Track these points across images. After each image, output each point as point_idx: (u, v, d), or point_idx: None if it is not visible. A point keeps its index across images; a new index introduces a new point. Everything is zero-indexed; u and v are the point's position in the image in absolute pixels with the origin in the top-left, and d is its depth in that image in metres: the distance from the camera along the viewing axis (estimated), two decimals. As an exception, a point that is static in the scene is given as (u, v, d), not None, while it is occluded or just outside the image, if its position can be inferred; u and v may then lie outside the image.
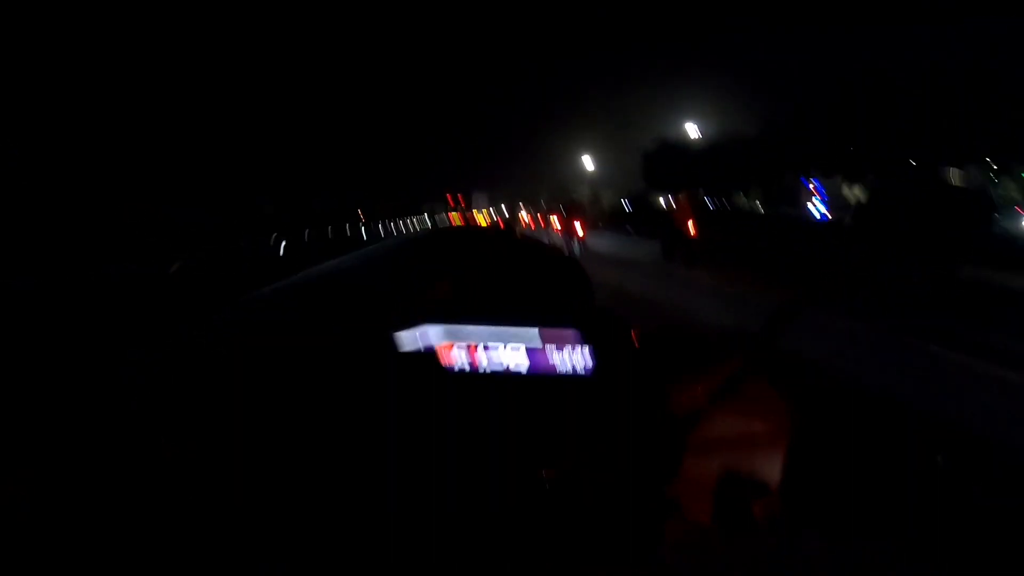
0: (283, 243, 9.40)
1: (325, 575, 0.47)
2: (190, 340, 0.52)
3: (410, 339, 0.54)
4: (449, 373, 0.52)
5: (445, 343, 0.53)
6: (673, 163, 21.77)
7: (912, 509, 0.42)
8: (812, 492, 0.46)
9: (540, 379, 0.52)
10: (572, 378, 0.52)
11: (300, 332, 0.54)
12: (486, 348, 0.53)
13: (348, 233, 15.15)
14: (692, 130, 23.70)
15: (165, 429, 0.46)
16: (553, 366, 0.53)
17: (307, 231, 11.21)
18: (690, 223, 7.61)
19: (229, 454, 0.46)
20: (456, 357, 0.53)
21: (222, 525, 0.45)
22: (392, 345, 0.53)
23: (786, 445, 0.48)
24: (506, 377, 0.52)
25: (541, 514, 0.46)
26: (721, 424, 0.49)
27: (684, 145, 22.63)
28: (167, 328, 0.51)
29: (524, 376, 0.52)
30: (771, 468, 0.47)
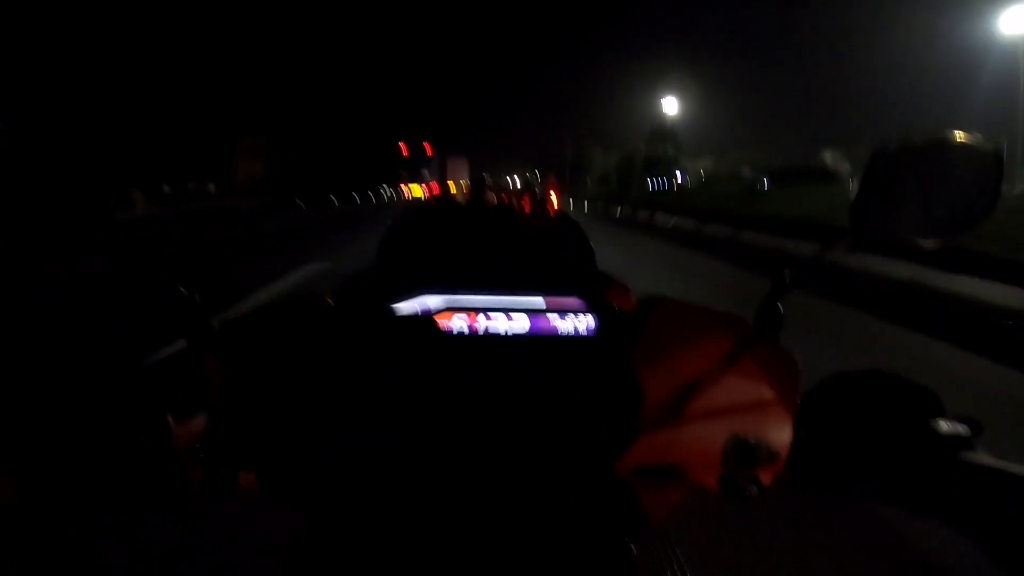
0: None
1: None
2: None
3: (407, 308, 0.62)
4: (447, 335, 0.60)
5: (444, 312, 0.61)
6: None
7: (909, 472, 0.51)
8: (817, 456, 0.56)
9: (540, 339, 0.61)
10: (573, 339, 0.61)
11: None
12: (487, 316, 0.62)
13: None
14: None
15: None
16: (555, 328, 0.61)
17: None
18: (552, 195, 15.21)
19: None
20: (455, 324, 0.61)
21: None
22: (387, 312, 0.61)
23: (795, 411, 0.57)
24: (505, 338, 0.61)
25: (540, 486, 0.55)
26: (728, 389, 0.58)
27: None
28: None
29: (524, 337, 0.61)
30: (779, 434, 0.56)
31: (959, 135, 0.57)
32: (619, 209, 25.90)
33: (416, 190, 50.61)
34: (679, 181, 57.18)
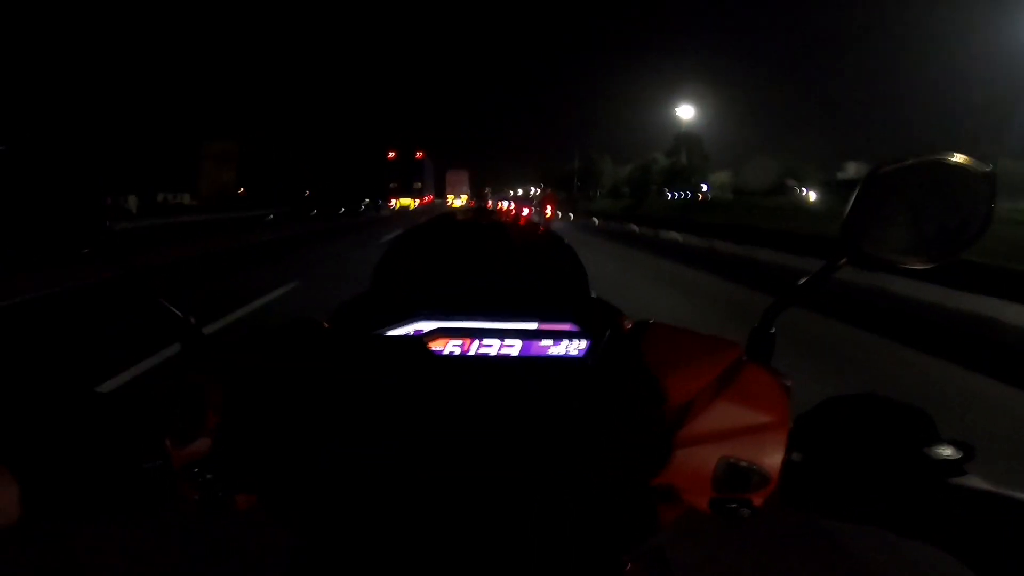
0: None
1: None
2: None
3: (399, 331, 0.68)
4: (437, 356, 0.65)
5: (438, 338, 0.67)
6: None
7: (900, 497, 0.56)
8: (809, 479, 0.61)
9: (532, 362, 0.66)
10: (566, 362, 0.66)
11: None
12: (480, 340, 0.67)
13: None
14: None
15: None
16: (546, 351, 0.67)
17: None
18: (548, 208, 30.13)
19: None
20: (447, 348, 0.66)
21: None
22: (379, 335, 0.68)
23: (786, 434, 0.62)
24: (497, 360, 0.66)
25: (531, 504, 0.60)
26: (719, 413, 0.62)
27: None
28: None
29: (516, 359, 0.66)
30: (770, 457, 0.61)
31: (953, 155, 0.61)
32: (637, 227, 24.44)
33: (406, 204, 50.11)
34: (704, 193, 56.97)
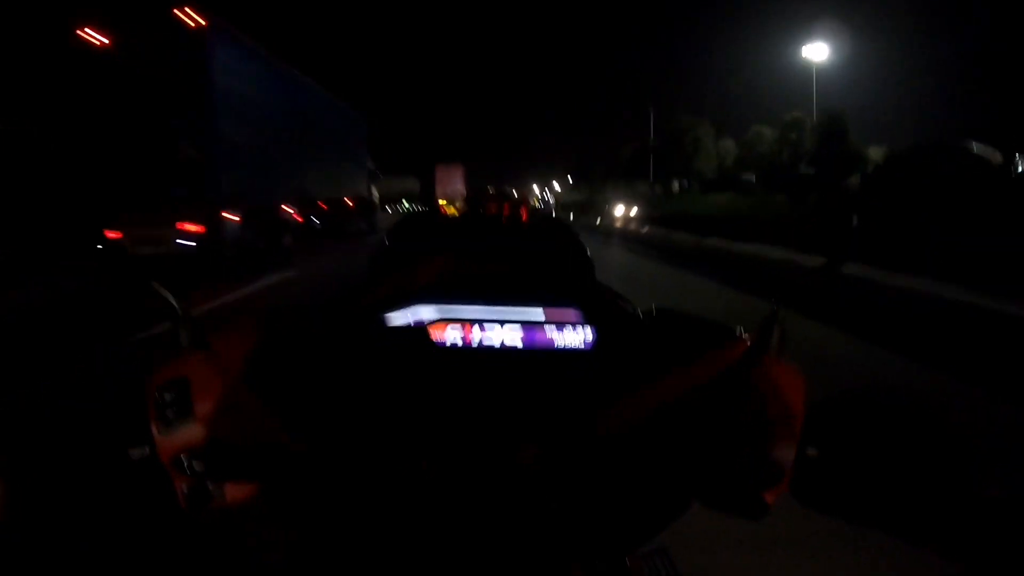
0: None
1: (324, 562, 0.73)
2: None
3: (400, 318, 0.79)
4: (439, 348, 0.76)
5: (438, 322, 0.78)
6: None
7: (917, 500, 0.67)
8: (820, 477, 0.72)
9: (537, 354, 0.78)
10: (571, 353, 0.78)
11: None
12: (482, 328, 0.79)
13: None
14: None
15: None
16: (551, 341, 0.78)
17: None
18: (523, 210, 22.22)
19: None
20: (448, 335, 0.77)
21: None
22: (381, 323, 0.79)
23: (799, 428, 0.72)
24: (501, 352, 0.77)
25: (531, 497, 0.72)
26: (729, 404, 0.75)
27: None
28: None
29: (520, 351, 0.78)
30: (783, 452, 0.72)
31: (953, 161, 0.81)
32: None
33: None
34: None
